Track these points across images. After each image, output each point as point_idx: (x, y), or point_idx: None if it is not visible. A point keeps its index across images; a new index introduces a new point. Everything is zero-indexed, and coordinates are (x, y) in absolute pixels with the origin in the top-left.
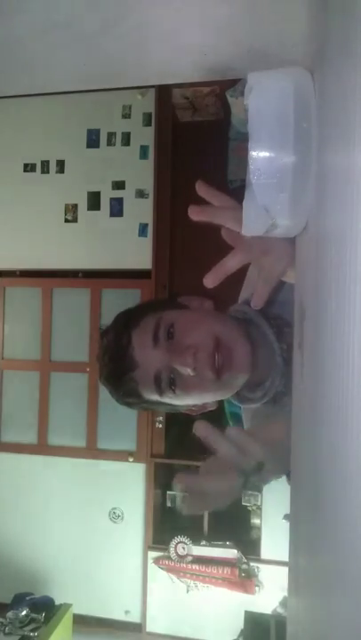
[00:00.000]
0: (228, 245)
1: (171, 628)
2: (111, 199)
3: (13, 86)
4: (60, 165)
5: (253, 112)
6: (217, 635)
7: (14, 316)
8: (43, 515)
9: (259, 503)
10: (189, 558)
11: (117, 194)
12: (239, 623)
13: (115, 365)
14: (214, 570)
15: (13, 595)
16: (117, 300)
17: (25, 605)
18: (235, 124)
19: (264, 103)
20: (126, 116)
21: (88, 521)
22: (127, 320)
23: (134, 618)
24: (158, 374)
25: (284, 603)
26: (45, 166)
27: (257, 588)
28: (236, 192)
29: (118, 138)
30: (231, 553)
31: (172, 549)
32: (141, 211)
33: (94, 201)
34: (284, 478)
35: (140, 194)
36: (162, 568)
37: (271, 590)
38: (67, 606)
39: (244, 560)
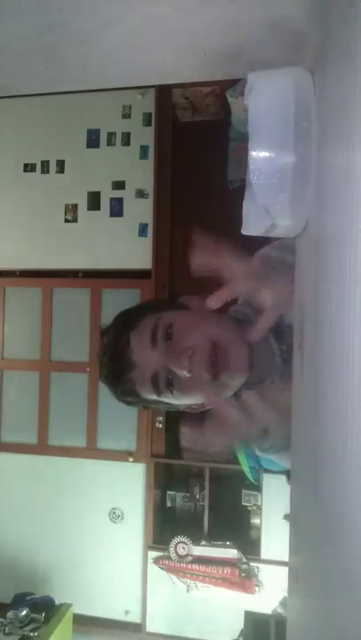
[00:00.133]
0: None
1: (171, 628)
2: (111, 199)
3: (13, 86)
4: (60, 165)
5: (253, 112)
6: (217, 635)
7: (14, 316)
8: (43, 515)
9: (259, 503)
10: (189, 558)
11: (117, 194)
12: (239, 623)
13: (113, 366)
14: (214, 570)
15: (13, 595)
16: (117, 300)
17: (25, 605)
18: (235, 124)
19: (264, 103)
20: (126, 116)
21: (88, 521)
22: (126, 321)
23: (134, 618)
24: (156, 375)
25: (284, 603)
26: (45, 166)
27: (257, 588)
28: (236, 192)
29: (118, 138)
30: (231, 553)
31: (172, 549)
32: (141, 211)
33: (94, 201)
34: (284, 478)
35: (140, 194)
36: (162, 568)
37: (271, 590)
38: (67, 606)
39: (244, 560)
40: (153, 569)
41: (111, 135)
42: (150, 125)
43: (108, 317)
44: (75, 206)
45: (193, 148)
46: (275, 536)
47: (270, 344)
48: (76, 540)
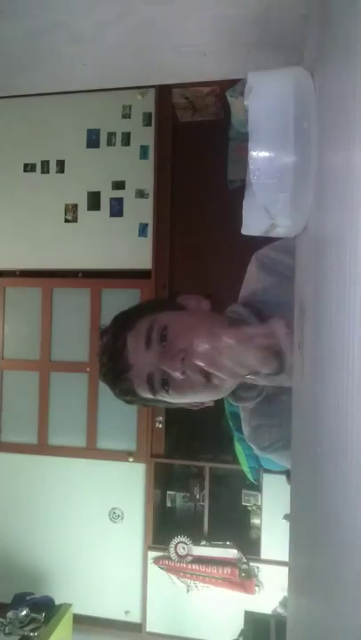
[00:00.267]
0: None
1: (171, 628)
2: (111, 199)
3: (13, 86)
4: (60, 165)
5: (253, 112)
6: (217, 635)
7: (14, 316)
8: (43, 515)
9: (259, 503)
10: (189, 558)
11: (117, 194)
12: (239, 623)
13: (112, 366)
14: (214, 570)
15: (13, 595)
16: (117, 300)
17: (25, 605)
18: (235, 124)
19: (264, 103)
20: (126, 115)
21: (88, 521)
22: (124, 322)
23: (134, 618)
24: (151, 376)
25: (284, 603)
26: (45, 166)
27: (257, 588)
28: (236, 192)
29: (118, 138)
30: (231, 553)
31: (172, 549)
32: (141, 211)
33: (94, 201)
34: (284, 478)
35: (140, 194)
36: (162, 568)
37: (271, 590)
38: (67, 606)
39: (244, 560)
40: (153, 569)
41: (111, 135)
42: (150, 125)
43: (108, 317)
44: (75, 206)
45: (193, 148)
46: (275, 536)
47: None
48: (76, 540)
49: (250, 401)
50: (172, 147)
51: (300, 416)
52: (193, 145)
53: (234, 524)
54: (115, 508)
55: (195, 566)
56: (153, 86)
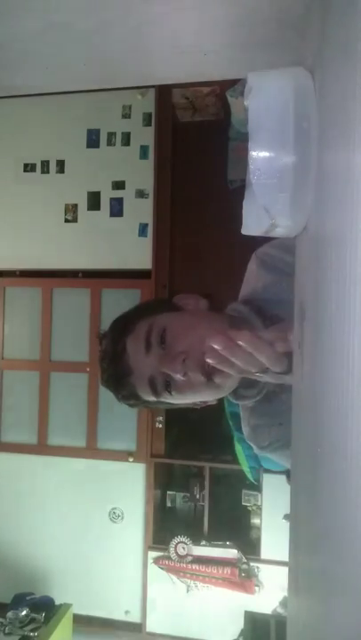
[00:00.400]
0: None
1: (171, 628)
2: (111, 199)
3: (13, 86)
4: (60, 165)
5: (253, 112)
6: (217, 635)
7: (14, 316)
8: (43, 514)
9: (259, 503)
10: (189, 558)
11: (117, 194)
12: (239, 623)
13: (113, 371)
14: (214, 570)
15: (13, 595)
16: (117, 300)
17: (25, 605)
18: (235, 124)
19: (264, 103)
20: (126, 115)
21: (88, 521)
22: (122, 326)
23: (134, 618)
24: (153, 379)
25: (284, 603)
26: (45, 166)
27: (257, 588)
28: (236, 192)
29: (118, 138)
30: (231, 553)
31: (172, 549)
32: (141, 211)
33: (94, 201)
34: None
35: (140, 194)
36: (162, 568)
37: (271, 590)
38: (67, 606)
39: (244, 560)
40: (153, 569)
41: (111, 135)
42: (150, 125)
43: (108, 317)
44: (75, 206)
45: (193, 147)
46: (275, 536)
47: None
48: (75, 540)
49: (250, 399)
50: (172, 147)
51: (300, 416)
52: (193, 145)
53: (234, 524)
54: (115, 508)
55: (195, 566)
56: (153, 86)
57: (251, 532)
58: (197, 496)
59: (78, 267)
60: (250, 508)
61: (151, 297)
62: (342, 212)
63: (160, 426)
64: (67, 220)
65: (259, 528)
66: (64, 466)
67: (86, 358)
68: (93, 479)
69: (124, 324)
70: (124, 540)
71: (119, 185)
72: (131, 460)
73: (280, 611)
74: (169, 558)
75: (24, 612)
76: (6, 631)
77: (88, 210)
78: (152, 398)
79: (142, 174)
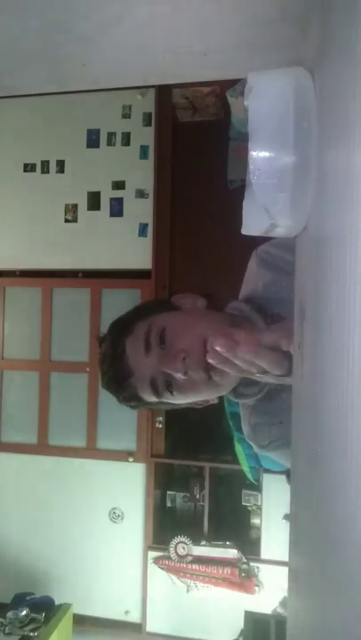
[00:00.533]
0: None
1: (171, 628)
2: (111, 199)
3: (13, 86)
4: (60, 165)
5: (253, 112)
6: (217, 635)
7: (14, 316)
8: (43, 515)
9: (259, 503)
10: (189, 558)
11: (117, 194)
12: (239, 623)
13: (113, 373)
14: (214, 570)
15: (13, 595)
16: (117, 300)
17: (25, 605)
18: (235, 124)
19: (264, 103)
20: (126, 115)
21: (88, 521)
22: (121, 328)
23: (134, 618)
24: (154, 380)
25: (284, 603)
26: (45, 166)
27: (257, 588)
28: (236, 192)
29: (118, 138)
30: (231, 553)
31: (172, 549)
32: (141, 211)
33: (94, 201)
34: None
35: (140, 194)
36: (162, 568)
37: (271, 590)
38: (67, 606)
39: (244, 560)
40: (153, 569)
41: (111, 135)
42: (150, 125)
43: (108, 317)
44: (75, 206)
45: (193, 147)
46: (275, 536)
47: None
48: (76, 540)
49: (250, 397)
50: (172, 147)
51: (300, 416)
52: (193, 145)
53: (234, 524)
54: (115, 508)
55: (195, 566)
56: (153, 86)
57: (251, 532)
58: (197, 496)
59: (78, 267)
60: (250, 508)
61: (151, 297)
62: (342, 211)
63: (160, 426)
64: (67, 220)
65: (259, 528)
66: (64, 466)
67: (86, 358)
68: (93, 479)
69: (122, 326)
70: (124, 540)
71: (119, 185)
72: (131, 459)
73: (280, 611)
74: (169, 558)
75: (24, 612)
76: (6, 631)
77: (88, 210)
78: (153, 399)
79: (142, 174)
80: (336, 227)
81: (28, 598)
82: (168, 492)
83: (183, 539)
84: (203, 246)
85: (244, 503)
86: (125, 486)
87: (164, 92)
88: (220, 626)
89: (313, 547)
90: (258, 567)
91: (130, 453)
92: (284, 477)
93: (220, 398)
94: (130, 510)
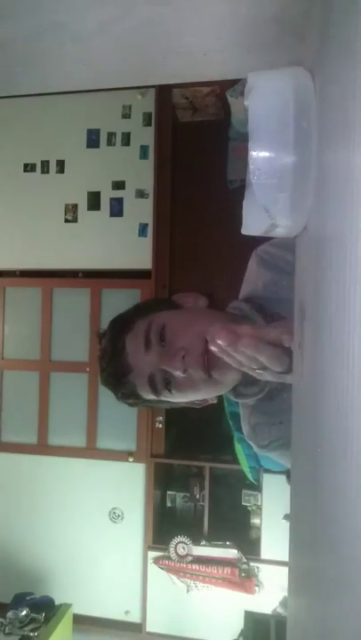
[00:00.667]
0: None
1: (171, 628)
2: (111, 199)
3: (13, 86)
4: (60, 165)
5: (253, 112)
6: (217, 635)
7: (14, 316)
8: (43, 515)
9: (259, 503)
10: (189, 558)
11: (117, 194)
12: (239, 623)
13: (112, 370)
14: (214, 570)
15: (13, 595)
16: (117, 300)
17: (25, 605)
18: (235, 124)
19: (264, 103)
20: (126, 115)
21: (88, 521)
22: (121, 324)
23: (134, 618)
24: (152, 377)
25: (284, 603)
26: (45, 166)
27: (257, 588)
28: (236, 192)
29: (118, 138)
30: (231, 553)
31: (172, 549)
32: (141, 211)
33: (94, 201)
34: (284, 478)
35: (140, 194)
36: (162, 568)
37: (271, 590)
38: (67, 606)
39: (244, 560)
40: (153, 569)
41: (111, 135)
42: (150, 125)
43: (108, 317)
44: (75, 206)
45: (193, 147)
46: (275, 536)
47: None
48: (76, 540)
49: (251, 397)
50: (172, 147)
51: (300, 416)
52: (193, 145)
53: (234, 524)
54: (115, 508)
55: (195, 566)
56: (153, 86)
57: (251, 532)
58: (197, 496)
59: (78, 267)
60: (250, 508)
61: (151, 297)
62: (342, 211)
63: (160, 426)
64: (67, 220)
65: (259, 528)
66: (64, 466)
67: (86, 358)
68: (93, 479)
69: (123, 323)
70: (124, 540)
71: (119, 185)
72: (131, 460)
73: (280, 611)
74: (169, 558)
75: (24, 612)
76: (6, 631)
77: (88, 210)
78: (152, 397)
79: (142, 174)
80: (336, 227)
81: (28, 598)
82: (168, 492)
83: (183, 539)
84: (203, 246)
85: (244, 503)
86: (125, 486)
87: (164, 92)
88: (220, 626)
89: (313, 547)
90: (258, 567)
91: (130, 453)
92: (284, 477)
93: (220, 398)
94: (130, 510)
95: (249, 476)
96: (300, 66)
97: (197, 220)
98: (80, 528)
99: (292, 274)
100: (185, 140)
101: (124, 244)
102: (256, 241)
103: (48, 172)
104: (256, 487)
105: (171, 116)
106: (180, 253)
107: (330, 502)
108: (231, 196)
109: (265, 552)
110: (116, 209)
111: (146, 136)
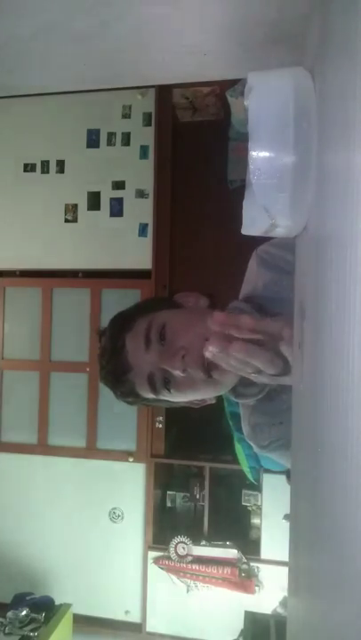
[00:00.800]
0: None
1: (171, 628)
2: (111, 199)
3: (13, 86)
4: (60, 165)
5: (253, 112)
6: (217, 635)
7: (14, 316)
8: (43, 515)
9: (259, 503)
10: (189, 558)
11: (117, 194)
12: (239, 623)
13: (112, 368)
14: (214, 570)
15: (13, 595)
16: (117, 300)
17: (25, 605)
18: (235, 124)
19: (264, 103)
20: (126, 115)
21: (88, 521)
22: (122, 323)
23: (134, 618)
24: (152, 376)
25: (284, 603)
26: (45, 166)
27: (257, 588)
28: (236, 192)
29: (118, 138)
30: (231, 553)
31: (172, 549)
32: (141, 211)
33: (94, 201)
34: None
35: (140, 194)
36: (162, 568)
37: (271, 590)
38: (67, 606)
39: (244, 560)
40: (153, 569)
41: (111, 135)
42: (150, 125)
43: (108, 317)
44: (75, 206)
45: (193, 147)
46: (275, 536)
47: None
48: (75, 541)
49: (250, 397)
50: (172, 147)
51: (301, 416)
52: (193, 145)
53: (234, 524)
54: (115, 508)
55: (195, 566)
56: (153, 86)
57: (251, 532)
58: (197, 496)
59: (78, 267)
60: (250, 508)
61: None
62: (342, 211)
63: (160, 426)
64: (67, 220)
65: (259, 528)
66: (64, 466)
67: (86, 358)
68: (93, 479)
69: (123, 321)
70: (124, 540)
71: (119, 185)
72: (131, 459)
73: (280, 611)
74: (169, 558)
75: (24, 612)
76: (6, 631)
77: (88, 210)
78: (151, 396)
79: (142, 174)
80: (336, 227)
81: (27, 598)
82: (168, 492)
83: (183, 539)
84: (203, 246)
85: (244, 503)
86: (125, 486)
87: (164, 92)
88: (220, 626)
89: (313, 547)
90: (258, 567)
91: (130, 453)
92: (284, 477)
93: (220, 398)
94: (130, 510)
95: (249, 476)
96: (300, 66)
97: (197, 220)
98: (80, 528)
99: (293, 274)
100: (185, 139)
101: (124, 243)
102: (256, 241)
103: (48, 172)
104: (256, 487)
105: (171, 116)
106: (180, 253)
107: (330, 502)
108: (231, 196)
109: (265, 552)
110: (116, 209)
111: (146, 136)
